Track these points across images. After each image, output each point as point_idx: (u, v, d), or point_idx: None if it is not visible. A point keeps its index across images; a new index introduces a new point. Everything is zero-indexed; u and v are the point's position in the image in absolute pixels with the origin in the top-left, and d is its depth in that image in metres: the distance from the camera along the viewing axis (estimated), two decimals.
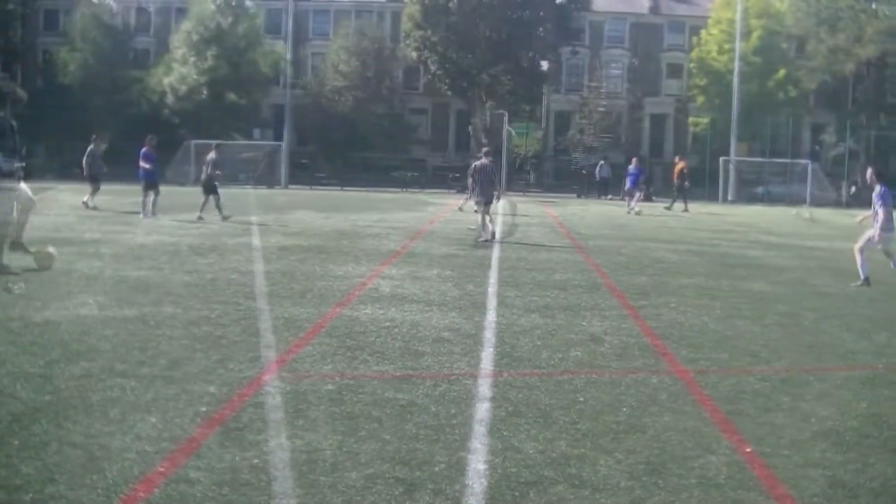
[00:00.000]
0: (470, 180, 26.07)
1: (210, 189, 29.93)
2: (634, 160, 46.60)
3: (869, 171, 19.38)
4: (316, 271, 17.24)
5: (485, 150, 27.07)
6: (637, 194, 44.24)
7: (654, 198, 52.86)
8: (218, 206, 29.44)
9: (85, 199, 33.58)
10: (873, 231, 18.24)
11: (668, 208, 46.45)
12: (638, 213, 40.77)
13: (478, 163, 25.68)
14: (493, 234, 25.02)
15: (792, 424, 8.22)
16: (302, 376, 9.23)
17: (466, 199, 34.62)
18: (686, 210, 45.17)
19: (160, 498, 6.01)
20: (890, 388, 9.83)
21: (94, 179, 34.50)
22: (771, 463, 7.13)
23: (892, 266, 18.85)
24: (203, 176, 30.96)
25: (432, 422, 7.82)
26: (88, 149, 35.53)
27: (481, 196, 25.00)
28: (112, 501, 5.93)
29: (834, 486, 6.70)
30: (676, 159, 50.66)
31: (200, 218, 28.54)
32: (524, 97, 72.94)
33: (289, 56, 69.99)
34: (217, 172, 30.34)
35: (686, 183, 47.06)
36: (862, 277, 17.94)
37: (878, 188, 18.29)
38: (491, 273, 17.92)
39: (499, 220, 33.89)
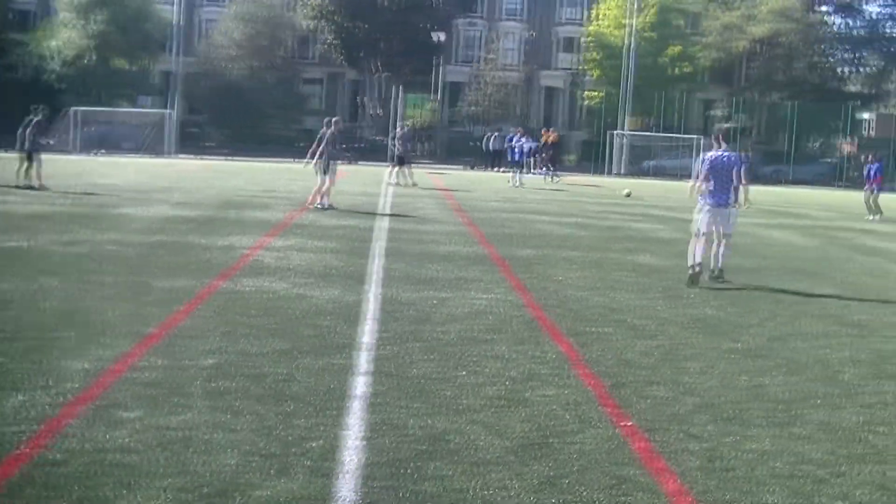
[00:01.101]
0: (316, 146, 25.58)
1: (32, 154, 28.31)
2: (519, 131, 46.70)
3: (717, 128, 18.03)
4: (199, 243, 16.95)
5: (334, 119, 26.79)
6: (523, 168, 44.22)
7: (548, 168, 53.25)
8: (28, 173, 28.05)
9: None
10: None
11: (550, 180, 47.00)
12: (519, 186, 40.76)
13: (328, 131, 25.34)
14: (329, 205, 24.74)
15: (673, 398, 8.25)
16: (179, 351, 9.00)
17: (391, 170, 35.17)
18: (554, 181, 46.07)
19: (21, 481, 5.76)
20: (769, 359, 9.92)
21: None
22: (651, 437, 7.13)
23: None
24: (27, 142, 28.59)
25: (311, 397, 7.66)
26: None
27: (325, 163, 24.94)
28: None
29: (713, 459, 6.72)
30: (545, 131, 51.25)
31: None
32: (419, 68, 72.61)
33: (180, 22, 68.70)
34: (43, 139, 29.03)
35: (553, 154, 48.41)
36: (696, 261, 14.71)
37: (713, 153, 14.97)
38: (377, 245, 17.79)
39: (389, 190, 33.77)
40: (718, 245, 15.07)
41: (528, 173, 45.74)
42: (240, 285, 12.80)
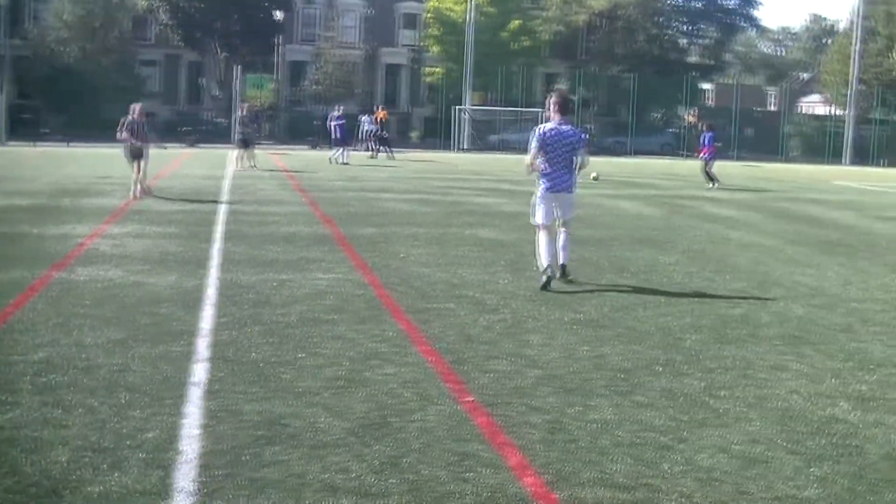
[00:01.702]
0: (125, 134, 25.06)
1: None
2: (339, 108, 46.72)
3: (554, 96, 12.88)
4: (32, 232, 16.43)
5: (139, 105, 26.25)
6: (349, 146, 44.07)
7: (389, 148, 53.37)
8: None
9: None
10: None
11: (373, 157, 47.50)
12: (345, 164, 40.68)
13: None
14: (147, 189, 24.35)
15: (515, 371, 8.30)
16: (8, 346, 8.69)
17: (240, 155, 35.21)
18: (374, 157, 46.97)
19: None
20: (611, 329, 10.06)
21: None
22: (493, 411, 7.15)
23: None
24: None
25: (146, 387, 7.49)
26: None
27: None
28: None
29: (555, 431, 6.76)
30: (377, 108, 51.61)
31: None
32: (259, 48, 71.72)
33: (3, 1, 66.42)
34: None
35: (385, 132, 49.21)
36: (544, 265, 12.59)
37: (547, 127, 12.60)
38: (217, 229, 17.50)
39: (231, 173, 33.31)
40: (560, 235, 12.73)
41: (368, 151, 46.32)
42: (74, 275, 12.45)
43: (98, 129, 62.56)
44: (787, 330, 10.42)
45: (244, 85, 64.10)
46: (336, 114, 44.89)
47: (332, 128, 44.36)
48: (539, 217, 12.66)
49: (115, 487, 5.55)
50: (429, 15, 74.22)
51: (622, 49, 75.74)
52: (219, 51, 70.74)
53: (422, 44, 77.58)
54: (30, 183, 27.44)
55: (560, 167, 12.48)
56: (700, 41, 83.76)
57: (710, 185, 33.21)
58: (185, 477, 5.74)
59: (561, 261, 12.60)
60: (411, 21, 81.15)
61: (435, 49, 73.60)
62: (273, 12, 69.96)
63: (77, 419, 6.72)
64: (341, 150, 42.53)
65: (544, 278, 12.26)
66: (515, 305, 11.23)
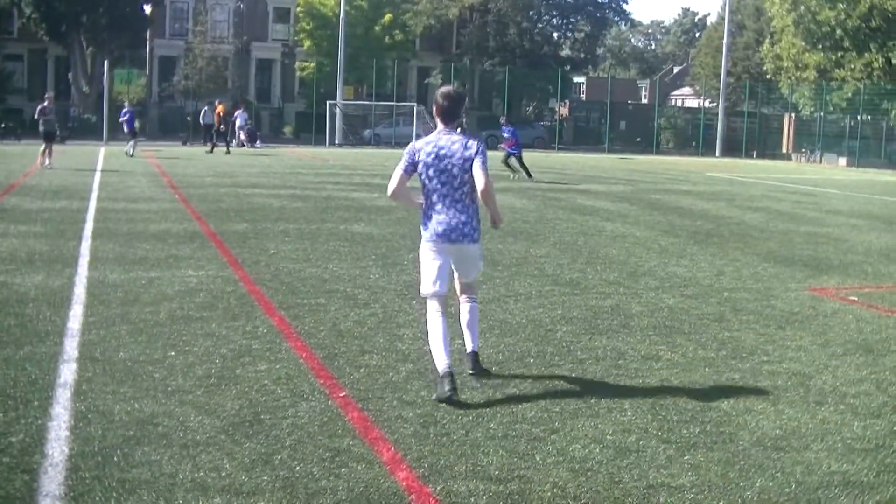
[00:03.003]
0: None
1: None
2: (126, 106, 46.91)
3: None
4: None
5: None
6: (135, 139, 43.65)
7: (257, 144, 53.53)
8: None
9: None
10: None
11: (210, 152, 47.45)
12: (132, 156, 40.65)
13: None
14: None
15: (387, 366, 8.33)
16: None
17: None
18: (212, 151, 47.19)
19: None
20: (483, 322, 10.09)
21: None
22: (365, 406, 7.16)
23: None
24: None
25: (11, 390, 7.32)
26: None
27: None
28: None
29: (428, 424, 6.81)
30: (216, 103, 51.82)
31: None
32: (127, 42, 70.48)
33: None
34: None
35: (222, 126, 49.61)
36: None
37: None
38: (86, 227, 17.17)
39: (98, 169, 32.73)
40: (461, 307, 8.35)
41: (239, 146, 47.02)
42: None
43: None
44: (659, 320, 10.63)
45: (112, 80, 62.89)
46: (126, 111, 44.74)
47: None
48: (426, 283, 8.13)
49: None
50: (300, 9, 73.82)
51: (494, 42, 76.36)
52: (86, 45, 69.33)
53: (294, 38, 77.13)
54: None
55: (451, 201, 8.02)
56: (572, 35, 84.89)
57: (514, 177, 33.69)
58: (52, 481, 5.64)
59: (470, 347, 8.28)
60: (283, 15, 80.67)
61: (307, 43, 73.23)
62: (142, 6, 68.74)
63: None
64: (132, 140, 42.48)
65: (446, 385, 7.46)
66: (386, 300, 11.26)
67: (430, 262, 8.14)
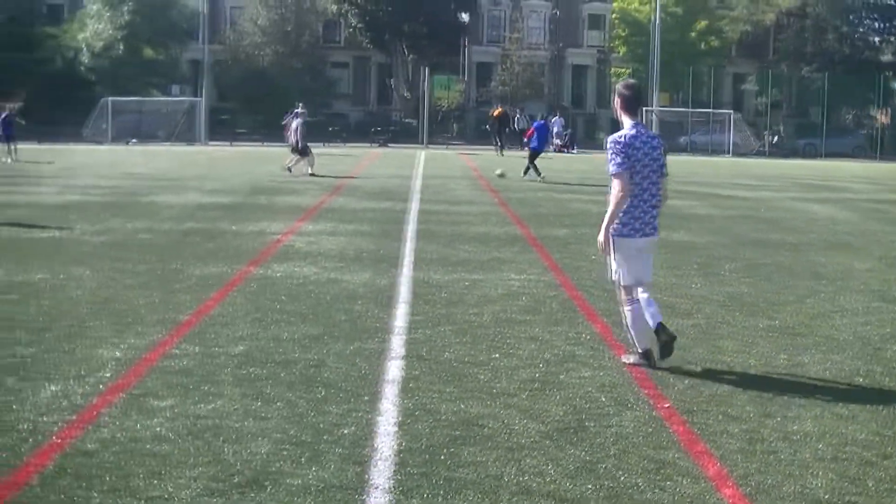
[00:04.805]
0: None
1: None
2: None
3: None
4: (230, 229, 16.92)
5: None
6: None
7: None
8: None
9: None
10: None
11: (500, 155, 48.19)
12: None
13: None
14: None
15: (711, 378, 8.09)
16: (210, 339, 8.93)
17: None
18: (501, 154, 47.95)
19: (54, 472, 5.69)
20: (809, 337, 9.73)
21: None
22: (690, 419, 6.98)
23: None
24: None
25: (342, 383, 7.57)
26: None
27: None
28: (2, 476, 5.59)
29: (754, 441, 6.56)
30: (496, 107, 52.20)
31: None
32: (445, 49, 72.43)
33: (205, 9, 68.68)
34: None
35: (507, 129, 51.07)
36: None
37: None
38: (408, 227, 17.69)
39: (419, 172, 33.63)
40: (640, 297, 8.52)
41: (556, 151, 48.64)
42: (271, 271, 12.74)
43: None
44: None
45: (431, 86, 64.70)
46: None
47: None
48: (633, 273, 8.45)
49: (314, 481, 5.61)
50: (615, 16, 73.69)
51: (812, 48, 73.76)
52: (406, 53, 71.65)
53: (609, 44, 77.08)
54: (228, 181, 28.27)
55: (648, 195, 8.28)
56: (893, 39, 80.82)
57: (525, 176, 31.84)
58: (382, 474, 5.77)
59: (656, 319, 8.34)
60: (598, 22, 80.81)
61: (622, 50, 73.01)
62: (459, 14, 70.47)
63: (276, 412, 6.84)
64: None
65: (644, 360, 8.33)
66: (708, 310, 10.98)
67: (634, 254, 8.40)
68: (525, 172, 31.82)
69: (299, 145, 31.63)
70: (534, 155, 32.03)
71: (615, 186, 8.14)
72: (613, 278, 8.57)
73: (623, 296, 8.53)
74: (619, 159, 8.09)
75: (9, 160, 36.66)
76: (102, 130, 59.04)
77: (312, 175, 30.32)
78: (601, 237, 8.38)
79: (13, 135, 38.60)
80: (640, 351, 8.42)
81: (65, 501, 5.30)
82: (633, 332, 8.44)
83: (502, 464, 5.98)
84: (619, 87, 8.49)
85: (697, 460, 6.17)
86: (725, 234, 17.88)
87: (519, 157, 39.98)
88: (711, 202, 25.08)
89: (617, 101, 8.36)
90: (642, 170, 8.16)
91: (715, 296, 11.87)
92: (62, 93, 63.85)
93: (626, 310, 8.46)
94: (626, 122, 8.28)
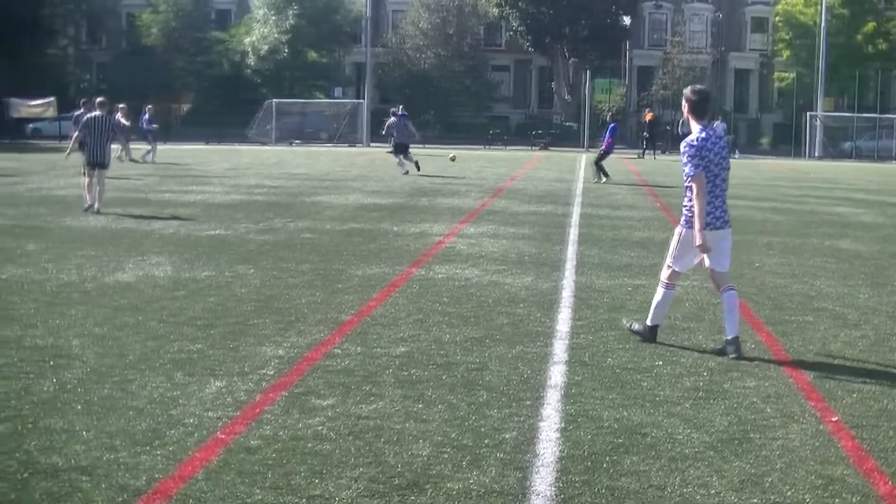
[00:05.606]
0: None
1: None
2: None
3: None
4: (392, 230, 17.10)
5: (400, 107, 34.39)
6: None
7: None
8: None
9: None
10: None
11: (640, 157, 49.98)
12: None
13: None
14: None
15: (881, 392, 7.81)
16: (372, 339, 9.02)
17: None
18: (642, 157, 49.85)
19: (218, 466, 5.82)
20: None
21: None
22: (859, 434, 6.76)
23: None
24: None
25: (504, 387, 7.56)
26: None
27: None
28: (170, 469, 5.75)
29: None
30: (646, 111, 52.05)
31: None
32: (606, 53, 72.08)
33: (368, 13, 69.64)
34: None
35: (647, 133, 52.56)
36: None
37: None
38: (570, 231, 17.61)
39: (581, 175, 33.46)
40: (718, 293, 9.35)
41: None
42: (432, 272, 12.82)
43: (452, 131, 64.80)
44: None
45: (593, 89, 64.40)
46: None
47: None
48: (676, 261, 9.16)
49: (474, 486, 5.61)
50: (778, 18, 72.19)
51: None
52: (567, 55, 71.46)
53: (772, 48, 75.58)
54: (389, 183, 28.58)
55: (720, 191, 8.92)
56: None
57: (597, 180, 30.56)
58: (543, 481, 5.74)
59: (732, 333, 8.82)
60: (761, 25, 79.35)
61: (786, 53, 71.48)
62: (620, 17, 69.98)
63: (437, 415, 6.86)
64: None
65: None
66: (877, 322, 10.64)
67: (691, 247, 8.89)
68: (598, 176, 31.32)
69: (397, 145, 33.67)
70: (603, 156, 31.74)
71: (694, 187, 8.68)
72: (668, 263, 9.21)
73: (665, 278, 9.19)
74: (695, 161, 8.68)
75: (149, 158, 37.20)
76: (267, 131, 60.51)
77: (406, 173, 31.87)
78: (698, 239, 8.70)
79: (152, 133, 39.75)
80: (648, 324, 9.18)
81: (228, 497, 5.41)
82: (653, 306, 9.16)
83: (665, 474, 5.89)
84: (686, 91, 9.03)
85: (868, 477, 5.97)
86: (895, 244, 17.32)
87: (668, 160, 39.55)
88: (879, 210, 24.32)
89: (685, 106, 8.96)
90: (714, 168, 8.78)
91: (884, 307, 11.49)
92: (229, 95, 65.71)
93: (661, 289, 9.15)
94: (695, 125, 8.87)
